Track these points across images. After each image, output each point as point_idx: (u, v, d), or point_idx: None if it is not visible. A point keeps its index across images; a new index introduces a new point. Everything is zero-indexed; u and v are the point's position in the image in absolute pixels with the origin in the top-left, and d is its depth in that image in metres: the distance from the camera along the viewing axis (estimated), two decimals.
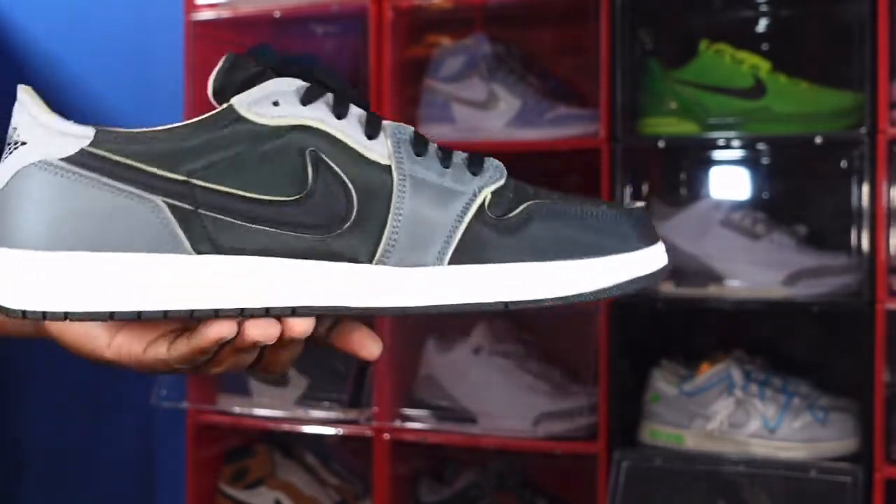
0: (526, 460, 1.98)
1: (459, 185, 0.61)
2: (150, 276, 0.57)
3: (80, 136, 0.58)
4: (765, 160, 1.91)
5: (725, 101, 1.76)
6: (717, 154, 1.91)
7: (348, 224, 0.59)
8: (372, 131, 0.61)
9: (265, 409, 2.01)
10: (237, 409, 2.03)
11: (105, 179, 0.57)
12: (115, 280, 0.57)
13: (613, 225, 0.62)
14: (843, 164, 1.77)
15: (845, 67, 1.70)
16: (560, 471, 1.98)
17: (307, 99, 0.60)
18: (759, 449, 1.69)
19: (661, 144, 1.78)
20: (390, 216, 0.59)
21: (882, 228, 1.63)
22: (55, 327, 0.65)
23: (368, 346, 0.64)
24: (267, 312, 0.59)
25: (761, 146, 1.85)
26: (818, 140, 1.68)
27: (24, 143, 0.58)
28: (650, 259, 0.62)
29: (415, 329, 1.96)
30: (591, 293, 0.60)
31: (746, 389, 1.72)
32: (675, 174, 1.96)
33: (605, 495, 1.71)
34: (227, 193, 0.58)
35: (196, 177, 0.58)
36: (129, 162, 0.57)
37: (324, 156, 0.59)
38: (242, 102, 0.59)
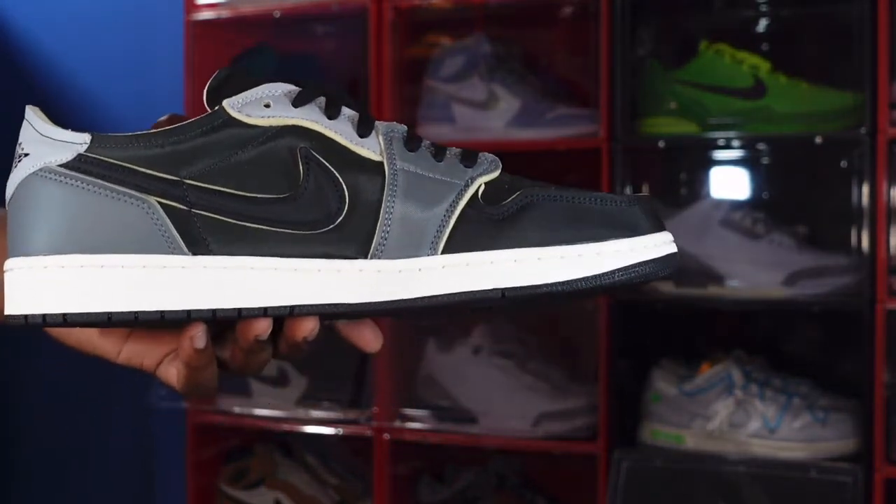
0: (526, 460, 1.98)
1: (452, 177, 0.61)
2: (145, 277, 0.58)
3: (76, 143, 0.59)
4: (765, 160, 1.91)
5: (725, 101, 1.76)
6: (717, 154, 1.91)
7: (340, 219, 0.59)
8: (364, 130, 0.61)
9: (265, 409, 2.01)
10: (237, 409, 2.03)
11: (101, 182, 0.58)
12: (110, 281, 0.57)
13: (614, 210, 0.60)
14: (843, 164, 1.77)
15: (845, 67, 1.70)
16: (560, 471, 1.98)
17: (299, 102, 0.61)
18: (759, 449, 1.69)
19: (661, 144, 1.78)
20: (382, 210, 0.60)
21: (882, 228, 1.63)
22: (55, 330, 0.65)
23: (370, 339, 0.64)
24: (265, 313, 0.59)
25: (761, 146, 1.85)
26: (818, 140, 1.68)
27: (27, 155, 0.59)
28: (655, 245, 0.60)
29: (415, 329, 1.96)
30: (592, 277, 0.59)
31: (746, 389, 1.72)
32: (675, 174, 1.96)
33: (605, 495, 1.71)
34: (220, 192, 0.59)
35: (189, 177, 0.59)
36: (123, 164, 0.58)
37: (315, 153, 0.60)
38: (234, 104, 0.60)
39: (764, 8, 1.88)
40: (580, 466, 1.83)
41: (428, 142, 0.63)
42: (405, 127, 0.63)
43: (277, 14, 2.01)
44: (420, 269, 0.59)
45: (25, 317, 0.58)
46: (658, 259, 0.60)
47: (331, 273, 0.59)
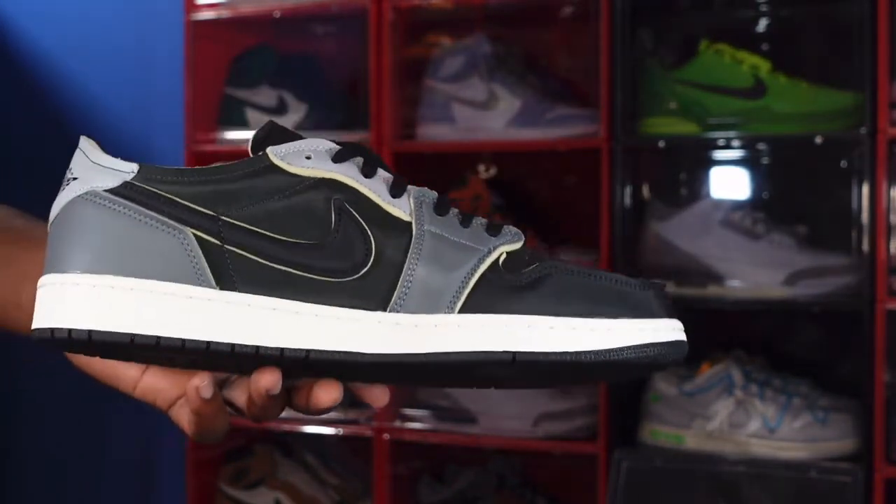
0: (526, 460, 1.98)
1: (476, 243, 0.63)
2: (171, 304, 0.60)
3: (124, 171, 0.62)
4: (765, 160, 1.91)
5: (725, 101, 1.76)
6: (717, 154, 1.91)
7: (365, 270, 0.61)
8: (397, 192, 0.64)
9: None
10: None
11: (142, 209, 0.60)
12: (138, 304, 0.59)
13: (628, 291, 0.62)
14: (843, 164, 1.77)
15: (845, 67, 1.70)
16: (560, 471, 1.98)
17: (339, 158, 0.63)
18: (759, 449, 1.69)
19: (661, 144, 1.78)
20: (406, 266, 0.62)
21: (882, 228, 1.63)
22: (78, 358, 0.67)
23: (378, 395, 0.65)
24: (281, 353, 0.60)
25: (761, 146, 1.85)
26: (818, 140, 1.68)
27: (75, 179, 0.62)
28: (665, 330, 0.62)
29: None
30: (601, 351, 0.61)
31: (746, 389, 1.72)
32: (675, 174, 1.96)
33: (605, 495, 1.71)
34: (254, 232, 0.61)
35: (227, 215, 0.61)
36: (166, 195, 0.61)
37: (348, 205, 0.62)
38: (277, 152, 0.63)
39: (764, 8, 1.88)
40: (580, 466, 1.83)
41: (456, 209, 0.65)
42: (436, 193, 0.65)
43: (277, 14, 2.01)
44: (436, 326, 0.61)
45: (52, 330, 0.59)
46: (668, 343, 0.62)
47: (350, 322, 0.61)
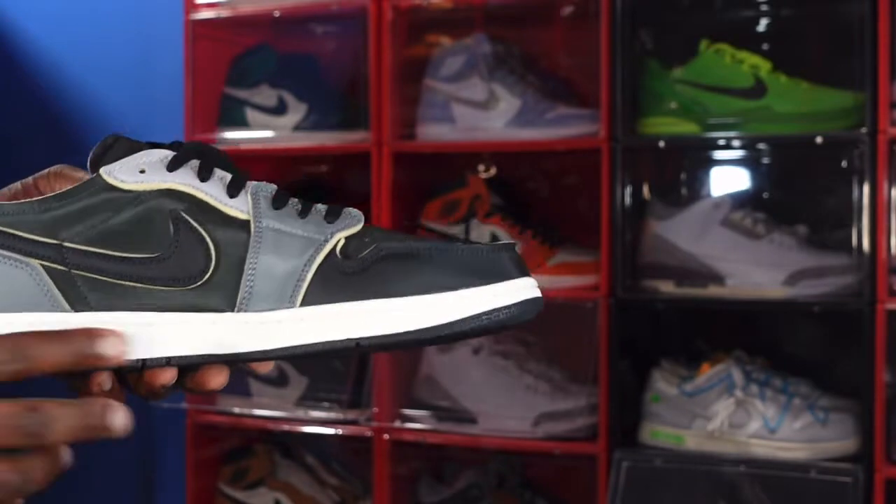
0: (526, 460, 1.98)
1: (313, 232, 0.64)
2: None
3: None
4: (765, 160, 1.91)
5: (725, 101, 1.76)
6: (717, 154, 1.91)
7: (207, 275, 0.63)
8: (234, 190, 0.65)
9: (265, 409, 2.01)
10: (237, 409, 2.03)
11: None
12: None
13: (472, 259, 0.62)
14: (844, 164, 1.77)
15: (845, 67, 1.70)
16: (560, 471, 1.98)
17: (173, 166, 0.64)
18: (759, 449, 1.69)
19: (661, 144, 1.78)
20: (246, 265, 0.63)
21: (882, 228, 1.63)
22: None
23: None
24: (143, 364, 0.63)
25: (761, 146, 1.85)
26: (818, 140, 1.68)
27: None
28: (515, 290, 0.62)
29: None
30: (442, 325, 0.61)
31: (747, 390, 1.72)
32: (675, 174, 1.96)
33: (605, 495, 1.71)
34: (96, 253, 0.63)
35: (68, 241, 0.63)
36: (9, 231, 0.62)
37: (185, 215, 0.63)
38: (110, 171, 0.64)
39: (764, 8, 1.88)
40: (580, 466, 1.83)
41: (296, 200, 0.65)
42: (274, 186, 0.66)
43: (277, 14, 2.01)
44: (279, 322, 0.63)
45: None
46: (516, 304, 0.62)
47: (203, 325, 0.63)
